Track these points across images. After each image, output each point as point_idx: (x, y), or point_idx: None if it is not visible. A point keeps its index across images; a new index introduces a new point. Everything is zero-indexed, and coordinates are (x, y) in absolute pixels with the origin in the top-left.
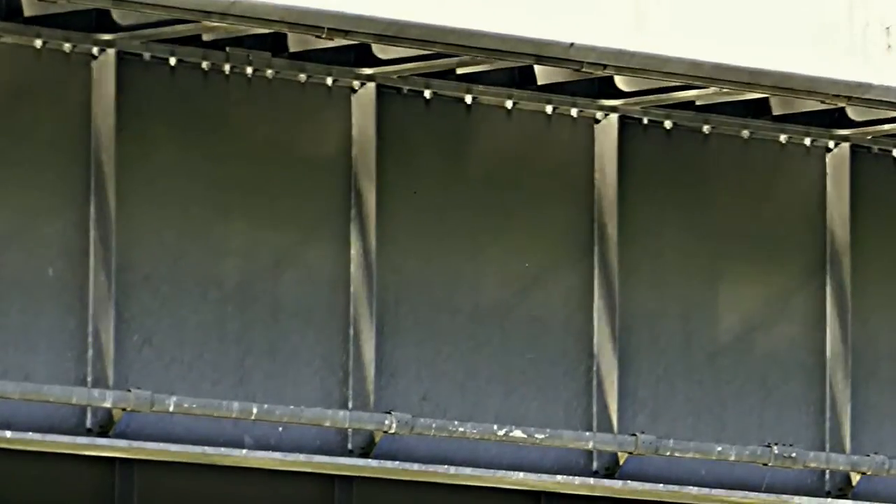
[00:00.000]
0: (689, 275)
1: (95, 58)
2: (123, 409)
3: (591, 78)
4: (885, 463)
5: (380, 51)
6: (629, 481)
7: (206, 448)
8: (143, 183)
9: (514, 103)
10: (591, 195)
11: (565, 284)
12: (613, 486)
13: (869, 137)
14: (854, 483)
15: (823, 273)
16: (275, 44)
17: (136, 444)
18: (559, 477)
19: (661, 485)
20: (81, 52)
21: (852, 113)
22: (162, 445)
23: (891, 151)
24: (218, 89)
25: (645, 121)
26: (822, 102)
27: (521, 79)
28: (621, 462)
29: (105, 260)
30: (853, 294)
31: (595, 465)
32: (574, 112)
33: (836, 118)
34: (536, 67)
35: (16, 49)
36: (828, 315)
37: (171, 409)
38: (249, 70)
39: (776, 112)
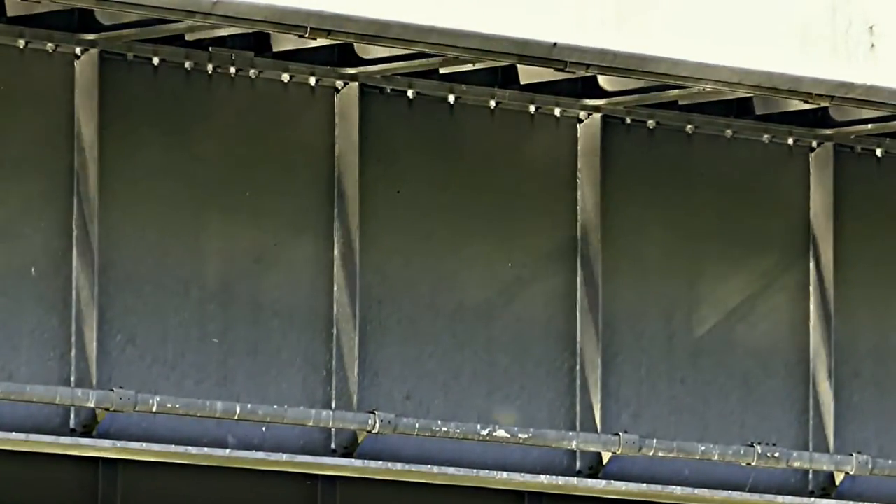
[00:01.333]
0: (671, 274)
1: (78, 57)
2: (107, 409)
3: (574, 77)
4: (868, 462)
5: (363, 50)
6: (612, 481)
7: (189, 448)
8: (125, 183)
9: (497, 103)
10: (574, 195)
11: (548, 284)
12: (597, 486)
13: (852, 137)
14: (838, 482)
15: (806, 272)
16: (258, 44)
17: (119, 443)
18: (543, 477)
19: (645, 484)
20: (64, 52)
21: (835, 112)
22: (145, 445)
23: (874, 151)
24: (201, 89)
25: (628, 120)
26: (806, 102)
27: (504, 78)
28: (605, 461)
29: (88, 259)
30: (836, 293)
31: (578, 464)
32: (557, 111)
33: (819, 117)
34: (519, 67)
35: None
36: (811, 314)
37: (154, 408)
38: (232, 70)
39: (759, 112)
